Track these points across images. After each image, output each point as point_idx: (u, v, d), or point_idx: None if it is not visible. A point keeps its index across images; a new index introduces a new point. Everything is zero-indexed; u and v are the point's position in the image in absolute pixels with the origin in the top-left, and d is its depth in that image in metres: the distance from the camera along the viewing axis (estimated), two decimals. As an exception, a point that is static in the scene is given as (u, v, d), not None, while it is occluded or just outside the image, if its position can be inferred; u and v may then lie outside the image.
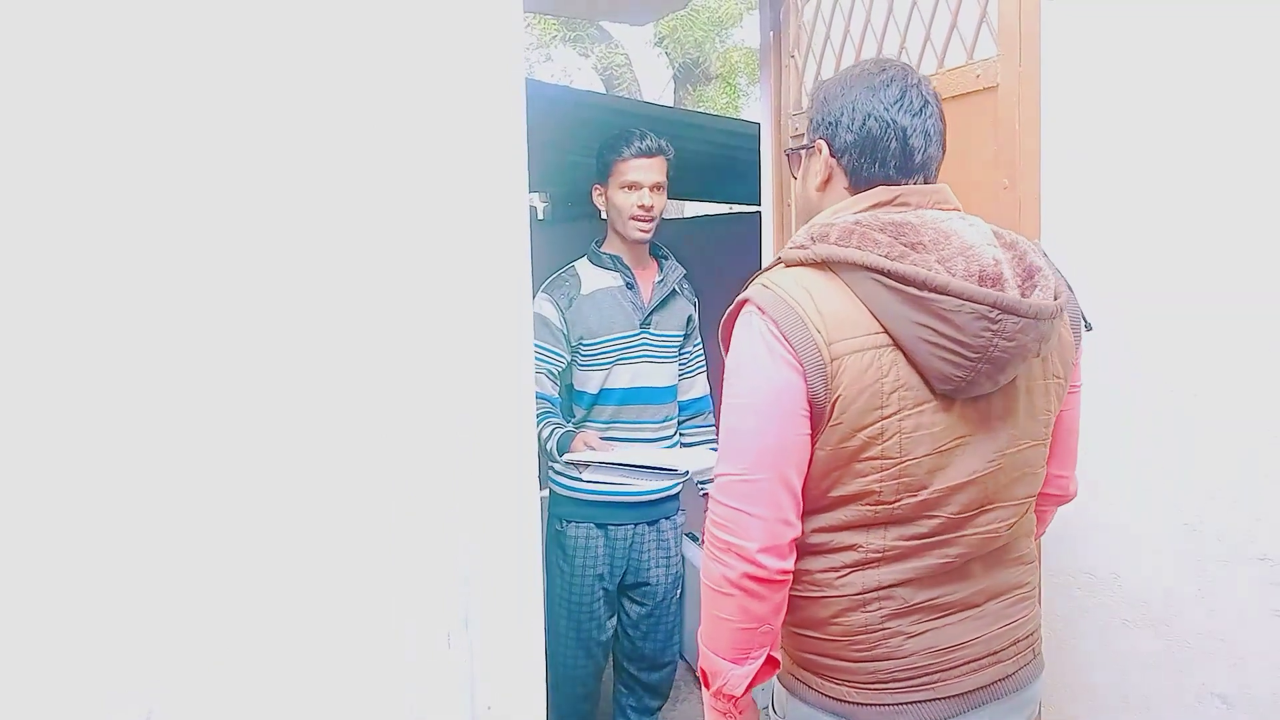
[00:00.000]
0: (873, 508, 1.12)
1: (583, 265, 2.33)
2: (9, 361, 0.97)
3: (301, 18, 1.09)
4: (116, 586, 1.03)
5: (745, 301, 1.15)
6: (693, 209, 7.55)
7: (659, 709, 2.58)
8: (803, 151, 1.30)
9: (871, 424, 1.09)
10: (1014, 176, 1.42)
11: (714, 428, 2.26)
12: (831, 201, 1.24)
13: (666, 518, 2.39)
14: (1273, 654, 1.62)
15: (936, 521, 1.14)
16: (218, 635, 1.08)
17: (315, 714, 1.14)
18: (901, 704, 1.17)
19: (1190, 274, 1.62)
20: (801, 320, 1.08)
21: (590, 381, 2.28)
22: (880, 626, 1.16)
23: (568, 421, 2.30)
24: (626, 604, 2.44)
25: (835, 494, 1.12)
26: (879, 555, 1.14)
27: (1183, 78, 1.68)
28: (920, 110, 1.18)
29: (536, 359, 2.14)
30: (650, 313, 2.28)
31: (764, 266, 1.22)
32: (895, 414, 1.09)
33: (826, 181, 1.24)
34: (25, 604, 0.99)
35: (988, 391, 1.12)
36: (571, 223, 3.99)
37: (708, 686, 1.18)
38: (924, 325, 1.06)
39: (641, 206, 2.23)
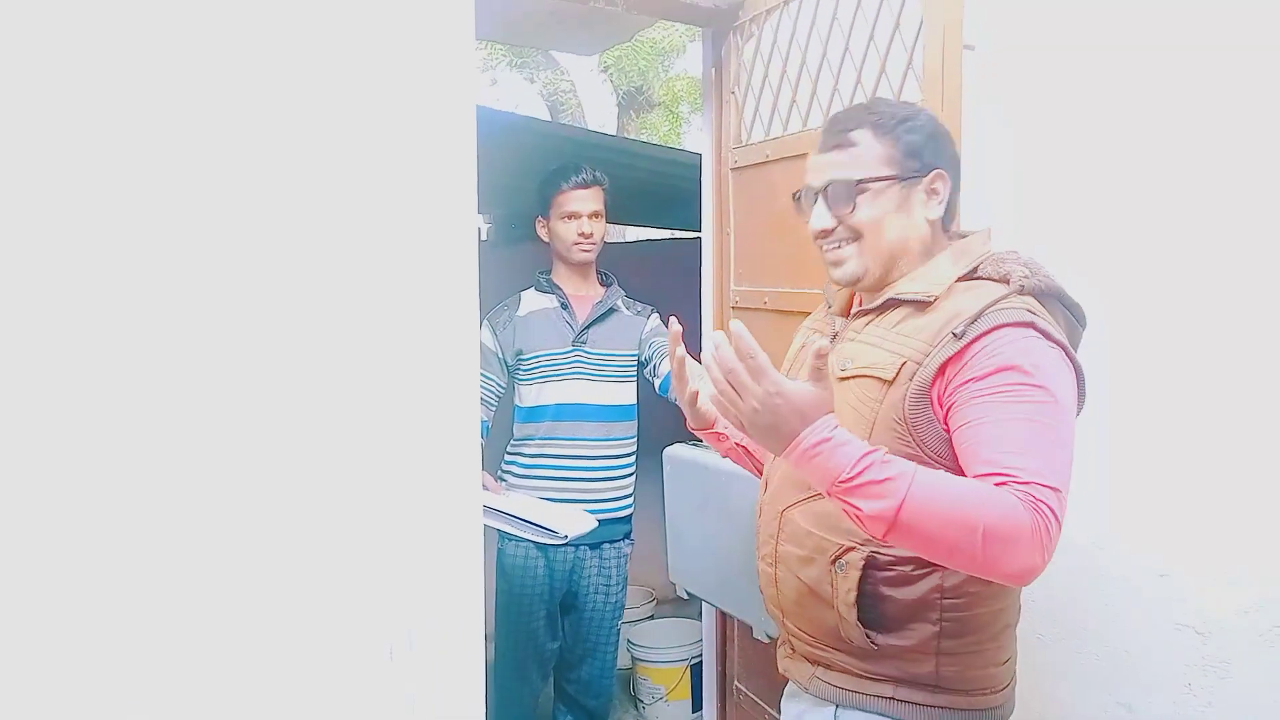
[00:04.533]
0: None
1: (527, 292, 2.43)
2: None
3: (254, 43, 1.11)
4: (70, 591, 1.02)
5: (1020, 325, 1.14)
6: (634, 234, 7.62)
7: (596, 732, 2.59)
8: (890, 184, 1.25)
9: None
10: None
11: None
12: (926, 235, 1.27)
13: (611, 542, 2.41)
14: (1174, 665, 1.73)
15: None
16: (153, 645, 1.08)
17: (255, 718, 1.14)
18: (1011, 690, 1.31)
19: (1095, 301, 1.73)
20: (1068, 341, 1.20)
21: (526, 396, 2.37)
22: (1016, 623, 1.30)
23: (514, 436, 2.38)
24: (566, 625, 2.46)
25: None
26: None
27: (1089, 122, 1.81)
28: None
29: None
30: (584, 329, 2.34)
31: (997, 297, 1.18)
32: None
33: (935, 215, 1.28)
34: (21, 604, 0.99)
35: None
36: (514, 245, 4.02)
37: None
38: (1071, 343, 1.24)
39: (582, 234, 2.34)
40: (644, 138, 10.37)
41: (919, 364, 1.17)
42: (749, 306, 2.19)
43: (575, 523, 2.02)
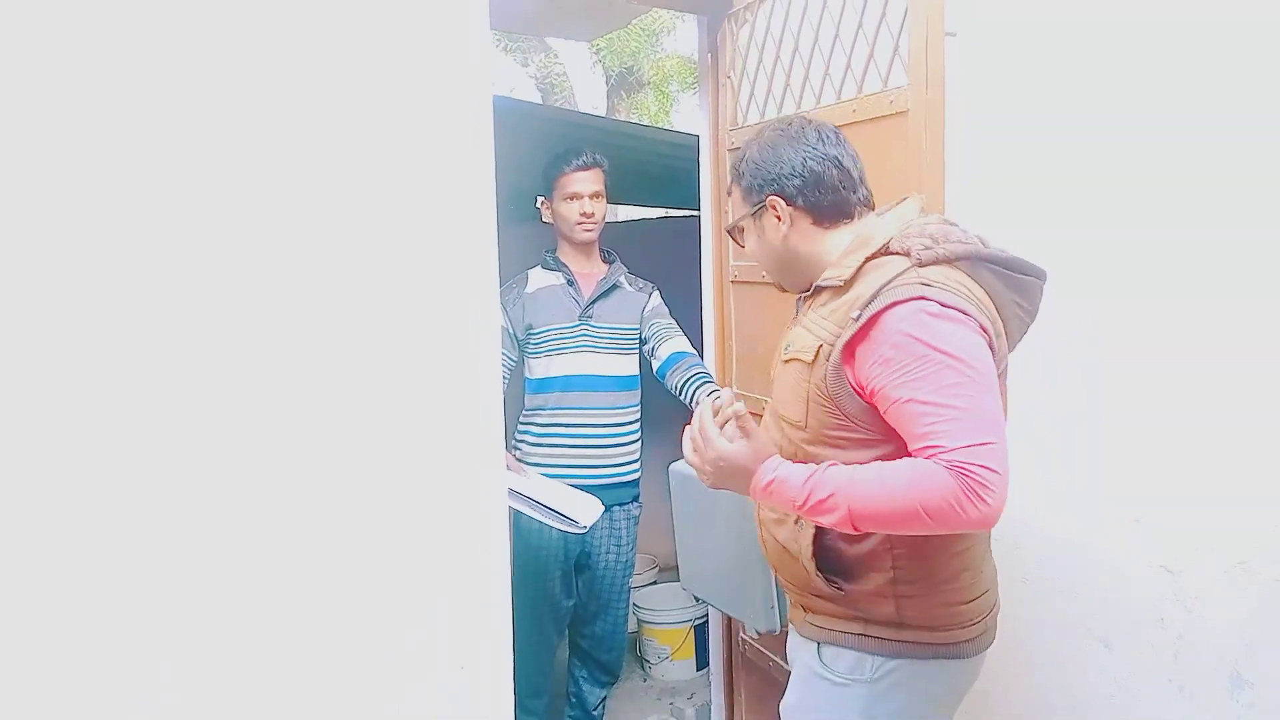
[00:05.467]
0: None
1: (534, 270, 2.53)
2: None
3: (286, 39, 1.19)
4: (112, 589, 1.10)
5: (912, 300, 1.21)
6: (625, 213, 7.71)
7: (610, 684, 2.73)
8: (747, 220, 1.45)
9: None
10: (921, 191, 1.63)
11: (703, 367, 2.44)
12: (808, 244, 1.39)
13: (620, 505, 2.53)
14: (1147, 601, 1.86)
15: None
16: (212, 616, 1.16)
17: (311, 666, 1.24)
18: (983, 626, 1.40)
19: (1070, 279, 1.84)
20: (975, 301, 1.25)
21: (536, 369, 2.48)
22: (980, 566, 1.40)
23: (525, 407, 2.50)
24: (580, 584, 2.60)
25: None
26: None
27: (1059, 104, 1.92)
28: (837, 140, 1.39)
29: None
30: (589, 304, 2.46)
31: (895, 274, 1.26)
32: (1000, 378, 1.29)
33: (789, 230, 1.39)
34: (29, 606, 1.05)
35: None
36: (516, 224, 4.13)
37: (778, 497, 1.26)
38: (1017, 303, 1.33)
39: (584, 214, 2.45)
40: (634, 116, 10.43)
41: (832, 345, 1.28)
42: (747, 280, 2.31)
43: (591, 511, 2.18)
